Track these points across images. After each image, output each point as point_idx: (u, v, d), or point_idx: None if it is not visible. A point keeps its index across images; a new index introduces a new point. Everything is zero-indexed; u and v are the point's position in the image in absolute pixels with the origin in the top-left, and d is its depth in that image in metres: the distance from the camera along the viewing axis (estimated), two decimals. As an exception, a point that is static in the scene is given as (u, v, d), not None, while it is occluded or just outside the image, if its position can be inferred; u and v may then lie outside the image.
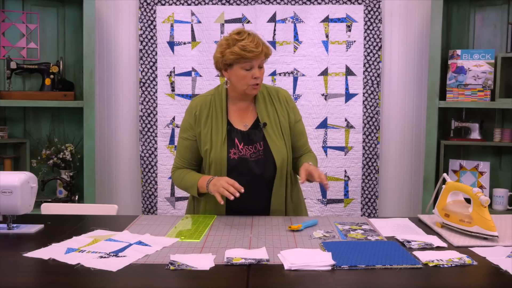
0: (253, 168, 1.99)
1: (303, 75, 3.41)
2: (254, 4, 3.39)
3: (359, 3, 3.38)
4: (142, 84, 3.45)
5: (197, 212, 2.11)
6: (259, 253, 1.48)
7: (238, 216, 1.98)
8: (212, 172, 2.00)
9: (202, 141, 2.03)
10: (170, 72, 3.45)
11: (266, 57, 2.00)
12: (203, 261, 1.41)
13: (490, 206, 3.17)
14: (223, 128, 2.01)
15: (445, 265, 1.39)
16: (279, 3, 3.39)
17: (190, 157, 2.09)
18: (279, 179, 2.01)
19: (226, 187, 1.82)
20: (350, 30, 3.39)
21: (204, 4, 3.41)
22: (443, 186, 1.83)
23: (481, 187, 3.23)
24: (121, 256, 1.45)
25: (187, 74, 3.44)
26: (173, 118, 3.46)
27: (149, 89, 3.45)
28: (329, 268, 1.36)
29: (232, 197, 1.80)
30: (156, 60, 3.44)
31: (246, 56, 1.91)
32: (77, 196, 3.25)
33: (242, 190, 1.82)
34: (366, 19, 3.38)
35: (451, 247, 1.58)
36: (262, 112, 2.05)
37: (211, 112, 2.05)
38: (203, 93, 2.18)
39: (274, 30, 3.40)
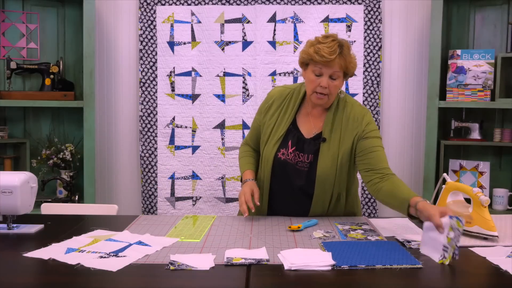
0: (294, 176, 1.95)
1: (303, 75, 3.40)
2: (254, 4, 3.39)
3: (359, 3, 3.38)
4: (142, 84, 3.45)
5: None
6: (259, 253, 1.48)
7: (238, 216, 1.99)
8: (262, 164, 2.02)
9: (263, 131, 2.04)
10: (170, 72, 3.45)
11: (345, 71, 1.86)
12: (203, 261, 1.41)
13: (490, 206, 3.17)
14: (284, 126, 1.98)
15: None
16: (279, 3, 3.39)
17: (255, 139, 2.12)
18: (319, 195, 1.94)
19: (241, 202, 1.89)
20: (350, 30, 3.39)
21: (204, 4, 3.41)
22: (443, 186, 1.83)
23: (481, 187, 3.23)
24: (121, 256, 1.45)
25: (187, 74, 3.45)
26: (173, 118, 3.46)
27: (149, 89, 3.45)
28: (329, 268, 1.36)
29: (245, 215, 1.88)
30: (156, 60, 3.44)
31: (315, 59, 1.82)
32: (77, 196, 3.25)
33: (253, 208, 1.88)
34: (366, 19, 3.38)
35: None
36: (327, 126, 1.94)
37: (283, 105, 2.01)
38: (290, 84, 2.14)
39: (274, 30, 3.40)
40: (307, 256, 1.44)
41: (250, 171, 2.05)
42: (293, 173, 1.95)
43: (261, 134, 2.06)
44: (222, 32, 3.41)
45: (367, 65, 3.40)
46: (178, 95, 3.46)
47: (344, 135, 1.92)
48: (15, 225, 1.76)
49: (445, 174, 1.87)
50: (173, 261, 1.40)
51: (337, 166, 1.92)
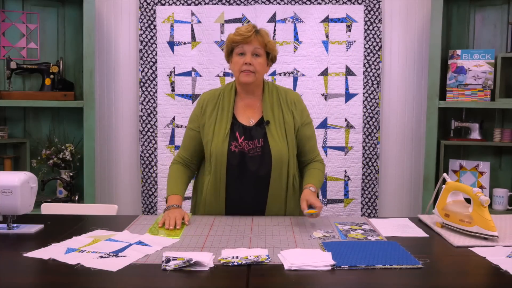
0: (249, 164, 1.99)
1: (303, 75, 3.41)
2: (254, 4, 3.39)
3: (359, 3, 3.38)
4: (142, 84, 3.45)
5: (199, 213, 2.12)
6: (259, 253, 1.48)
7: (238, 216, 1.99)
8: (213, 163, 2.01)
9: (205, 132, 2.05)
10: (170, 72, 3.45)
11: (266, 49, 2.00)
12: (203, 261, 1.40)
13: (490, 206, 3.17)
14: (227, 121, 2.02)
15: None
16: (279, 3, 3.39)
17: (193, 149, 2.11)
18: (276, 179, 1.99)
19: (167, 224, 1.80)
20: (350, 30, 3.39)
21: (204, 4, 3.41)
22: (443, 186, 1.83)
23: (481, 187, 3.23)
24: (121, 256, 1.45)
25: (187, 74, 3.45)
26: (173, 118, 3.46)
27: (149, 89, 3.45)
28: (329, 268, 1.36)
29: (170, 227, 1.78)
30: (156, 60, 3.44)
31: (235, 40, 1.97)
32: (77, 196, 3.24)
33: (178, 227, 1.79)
34: (366, 19, 3.38)
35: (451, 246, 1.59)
36: (267, 110, 2.04)
37: (218, 105, 2.07)
38: (216, 88, 2.20)
39: (274, 30, 3.40)
40: (307, 256, 1.44)
41: (176, 197, 2.02)
42: (248, 161, 1.99)
43: (203, 136, 2.06)
44: (222, 32, 3.41)
45: (367, 65, 3.40)
46: (178, 95, 3.46)
47: (286, 116, 2.04)
48: (15, 225, 1.76)
49: (445, 174, 1.87)
50: (173, 257, 1.40)
51: (288, 143, 2.01)
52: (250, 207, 2.01)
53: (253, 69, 1.98)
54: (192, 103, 3.44)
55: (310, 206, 1.83)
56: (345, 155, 3.43)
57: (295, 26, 3.40)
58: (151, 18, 3.43)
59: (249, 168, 1.98)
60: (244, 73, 1.98)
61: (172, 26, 3.43)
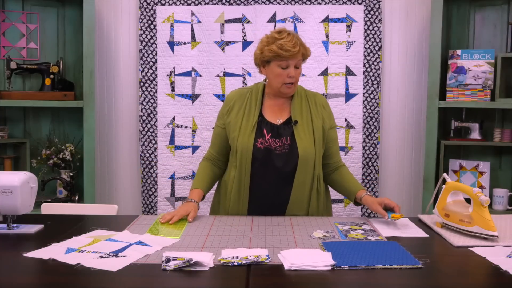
0: (275, 160, 2.00)
1: (303, 75, 3.41)
2: (254, 4, 3.39)
3: (359, 3, 3.38)
4: (142, 84, 3.45)
5: (221, 211, 2.14)
6: (259, 253, 1.48)
7: (239, 216, 1.99)
8: (238, 159, 2.03)
9: (231, 128, 2.07)
10: (170, 72, 3.45)
11: (304, 58, 2.03)
12: (203, 261, 1.40)
13: (490, 206, 3.17)
14: (254, 118, 2.05)
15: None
16: (279, 3, 3.39)
17: (220, 145, 2.15)
18: (301, 176, 2.00)
19: (170, 214, 1.89)
20: (350, 30, 3.39)
21: (204, 4, 3.41)
22: (443, 186, 1.83)
23: (481, 187, 3.23)
24: (121, 256, 1.45)
25: (187, 74, 3.45)
26: (173, 118, 3.46)
27: (149, 89, 3.45)
28: (329, 268, 1.36)
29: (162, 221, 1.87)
30: (156, 60, 3.44)
31: (282, 55, 1.95)
32: (77, 196, 3.25)
33: (190, 220, 1.88)
34: (366, 19, 3.38)
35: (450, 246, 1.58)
36: (296, 110, 2.07)
37: (245, 103, 2.10)
38: (243, 87, 2.21)
39: (274, 30, 3.40)
40: (307, 256, 1.44)
41: (198, 191, 2.06)
42: (274, 157, 2.01)
43: (229, 132, 2.09)
44: (222, 32, 3.41)
45: (367, 65, 3.40)
46: (178, 95, 3.46)
47: (315, 118, 2.08)
48: (15, 225, 1.76)
49: (445, 174, 1.87)
50: (173, 257, 1.40)
51: (315, 144, 2.03)
52: (273, 203, 2.02)
53: (295, 80, 2.02)
54: (192, 103, 3.45)
55: (387, 209, 1.90)
56: (345, 155, 3.43)
57: (295, 26, 3.40)
58: (151, 18, 3.43)
59: (275, 164, 2.00)
60: (287, 86, 2.01)
61: (172, 26, 3.43)
